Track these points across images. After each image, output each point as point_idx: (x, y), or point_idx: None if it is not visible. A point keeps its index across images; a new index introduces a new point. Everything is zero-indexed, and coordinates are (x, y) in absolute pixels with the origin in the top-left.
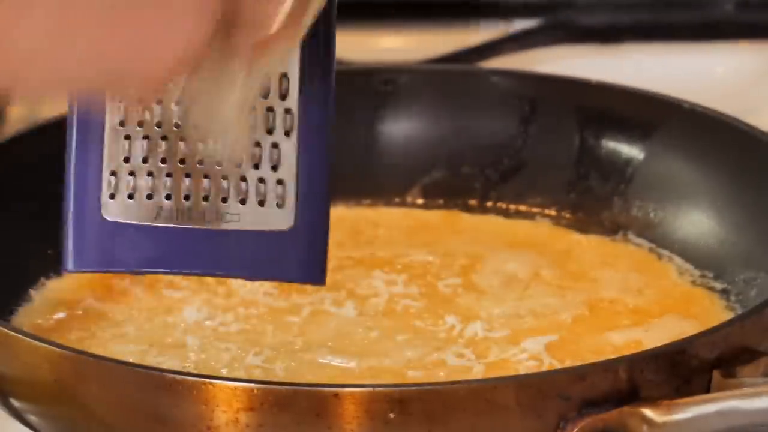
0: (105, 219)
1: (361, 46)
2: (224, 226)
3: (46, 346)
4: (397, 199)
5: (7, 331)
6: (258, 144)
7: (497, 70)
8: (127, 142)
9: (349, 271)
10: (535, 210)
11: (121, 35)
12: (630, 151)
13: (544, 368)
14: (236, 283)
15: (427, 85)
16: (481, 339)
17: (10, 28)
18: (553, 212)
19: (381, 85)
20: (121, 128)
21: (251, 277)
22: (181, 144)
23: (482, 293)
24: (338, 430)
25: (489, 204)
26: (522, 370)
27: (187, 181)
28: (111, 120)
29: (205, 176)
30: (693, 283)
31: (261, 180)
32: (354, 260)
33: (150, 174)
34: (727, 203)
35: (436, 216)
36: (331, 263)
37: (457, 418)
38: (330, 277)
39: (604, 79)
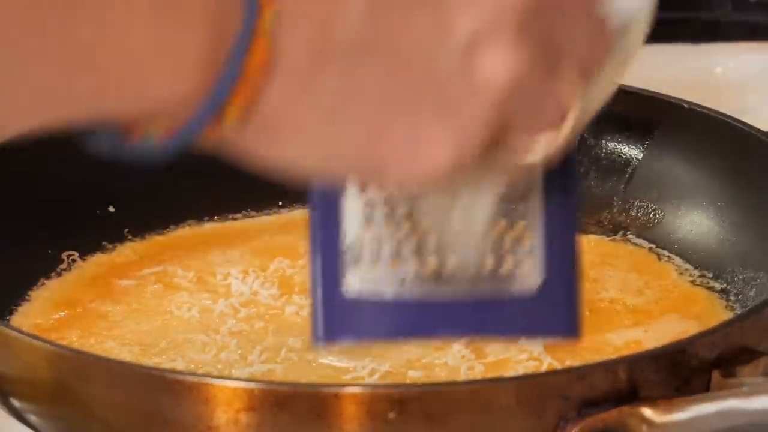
0: (348, 294)
1: None
2: (470, 293)
3: (46, 346)
4: None
5: (7, 330)
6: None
7: None
8: (368, 209)
9: None
10: None
11: (394, 132)
12: (630, 151)
13: (544, 368)
14: (236, 283)
15: None
16: (481, 339)
17: (292, 103)
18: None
19: None
20: (363, 194)
21: (498, 337)
22: (425, 218)
23: None
24: (338, 430)
25: None
26: (522, 370)
27: (428, 251)
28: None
29: (447, 247)
30: (693, 283)
31: (507, 246)
32: None
33: (394, 245)
34: (726, 203)
35: None
36: None
37: (457, 418)
38: None
39: None
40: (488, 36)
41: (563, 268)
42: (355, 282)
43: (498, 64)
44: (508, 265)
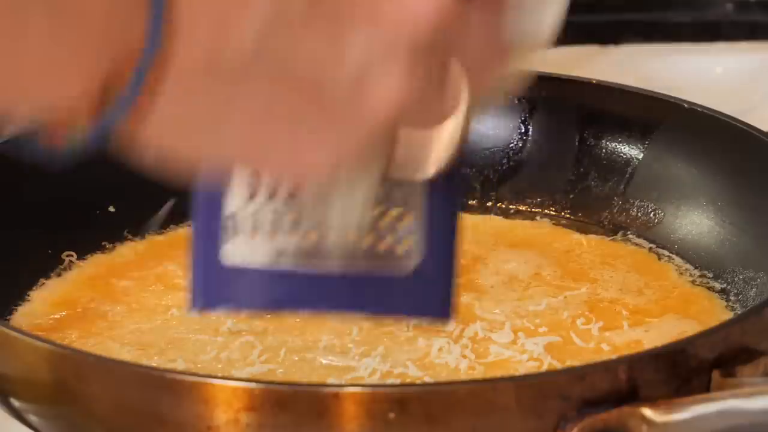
0: (225, 262)
1: None
2: (347, 266)
3: (46, 346)
4: None
5: (7, 331)
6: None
7: None
8: (246, 188)
9: None
10: (535, 210)
11: (274, 139)
12: (630, 151)
13: (544, 368)
14: None
15: None
16: (481, 339)
17: (179, 104)
18: (553, 212)
19: None
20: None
21: (373, 312)
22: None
23: (482, 293)
24: (338, 430)
25: (489, 204)
26: (522, 370)
27: (308, 222)
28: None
29: (321, 222)
30: (693, 283)
31: (385, 224)
32: None
33: (270, 214)
34: (726, 203)
35: None
36: None
37: (457, 418)
38: None
39: (604, 79)
40: (380, 66)
41: (441, 250)
42: (233, 251)
43: (385, 93)
44: (386, 244)
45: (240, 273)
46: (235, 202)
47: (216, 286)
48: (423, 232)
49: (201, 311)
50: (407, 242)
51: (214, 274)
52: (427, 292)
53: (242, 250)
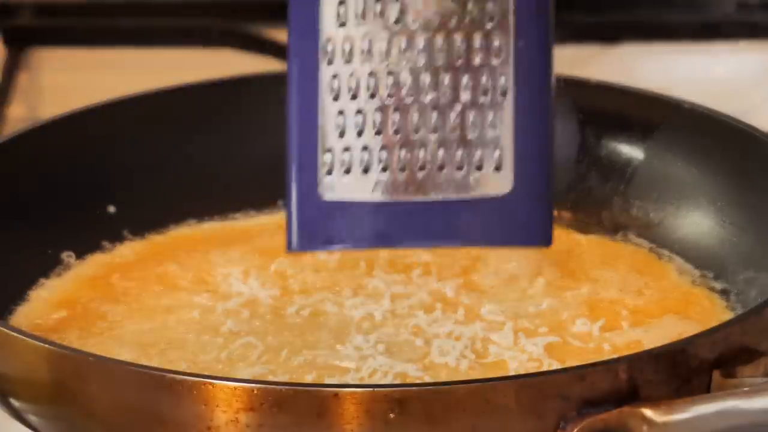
0: (323, 199)
1: None
2: (444, 196)
3: (46, 346)
4: None
5: (6, 331)
6: (473, 106)
7: None
8: (341, 117)
9: (350, 271)
10: None
11: None
12: (630, 151)
13: (544, 368)
14: (236, 284)
15: None
16: (481, 339)
17: None
18: (553, 212)
19: None
20: (336, 102)
21: (472, 244)
22: (396, 113)
23: (483, 293)
24: (338, 430)
25: None
26: (522, 370)
27: (402, 152)
28: (325, 96)
29: (421, 146)
30: (693, 283)
31: (477, 145)
32: (354, 260)
33: (365, 149)
34: (727, 203)
35: None
36: (332, 263)
37: (457, 418)
38: (330, 277)
39: (604, 79)
40: None
41: (535, 173)
42: (333, 186)
43: None
44: (481, 169)
45: (339, 209)
46: (329, 135)
47: (315, 224)
48: (515, 155)
49: (300, 251)
50: (502, 166)
51: (313, 210)
52: (525, 217)
53: (342, 185)
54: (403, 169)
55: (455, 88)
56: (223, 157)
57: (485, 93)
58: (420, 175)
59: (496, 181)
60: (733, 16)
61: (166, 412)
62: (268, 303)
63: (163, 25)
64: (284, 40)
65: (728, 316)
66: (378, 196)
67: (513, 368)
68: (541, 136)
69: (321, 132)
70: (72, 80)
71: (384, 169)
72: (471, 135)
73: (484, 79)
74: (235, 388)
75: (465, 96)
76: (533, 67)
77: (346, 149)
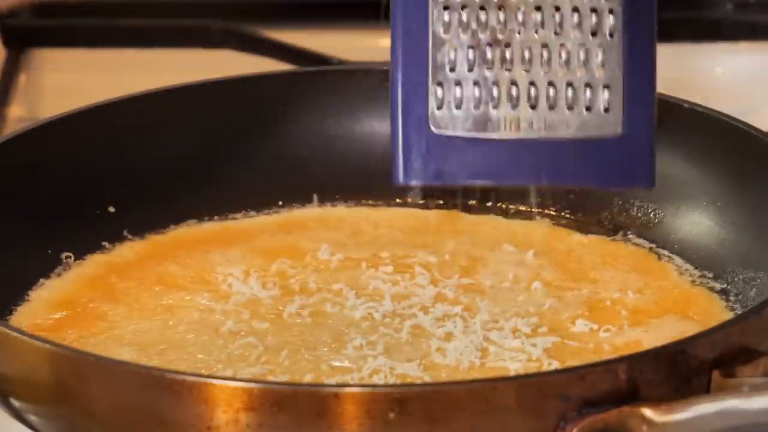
0: (433, 131)
1: (361, 46)
2: (553, 135)
3: (46, 346)
4: (397, 200)
5: (7, 331)
6: (582, 47)
7: None
8: (452, 51)
9: (350, 271)
10: (535, 210)
11: None
12: None
13: (544, 368)
14: (237, 284)
15: None
16: (481, 339)
17: None
18: (553, 212)
19: (381, 85)
20: (446, 36)
21: (577, 183)
22: (507, 50)
23: (482, 293)
24: (338, 430)
25: (489, 204)
26: (522, 370)
27: (513, 89)
28: (435, 29)
29: (531, 84)
30: (693, 283)
31: (587, 85)
32: (355, 260)
33: (476, 84)
34: (727, 203)
35: (435, 216)
36: (332, 263)
37: (457, 418)
38: (331, 276)
39: None
40: None
41: (642, 116)
42: (437, 124)
43: None
44: (590, 109)
45: (449, 143)
46: (444, 68)
47: (424, 157)
48: (624, 96)
49: (408, 183)
50: (611, 106)
51: (422, 143)
52: (631, 159)
53: (452, 119)
54: (513, 106)
55: (564, 26)
56: (223, 157)
57: (594, 34)
58: (530, 112)
59: (605, 122)
60: (733, 16)
61: (166, 412)
62: (268, 303)
63: (163, 25)
64: (284, 41)
65: (728, 316)
66: (488, 132)
67: (513, 368)
68: (648, 79)
69: (432, 64)
70: (72, 80)
71: (495, 106)
72: (580, 75)
73: (593, 19)
74: (235, 388)
75: (574, 35)
76: (640, 11)
77: (457, 83)
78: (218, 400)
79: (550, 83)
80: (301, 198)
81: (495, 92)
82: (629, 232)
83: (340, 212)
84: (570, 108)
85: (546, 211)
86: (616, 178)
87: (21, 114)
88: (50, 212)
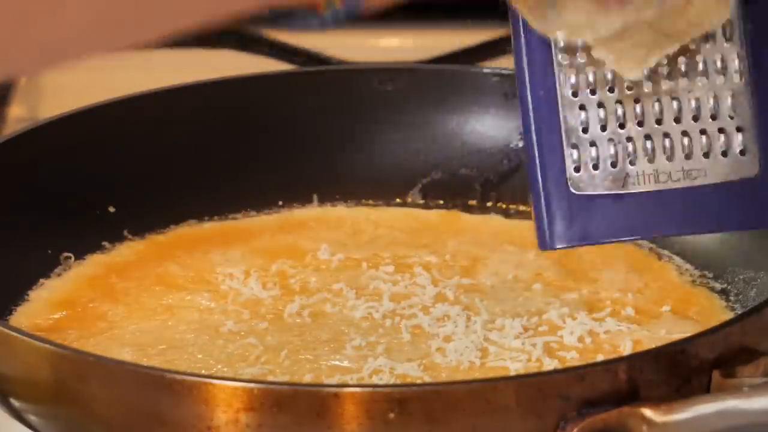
0: (573, 193)
1: (361, 46)
2: (692, 183)
3: (46, 346)
4: (397, 200)
5: (7, 331)
6: (711, 93)
7: (497, 70)
8: (583, 113)
9: (350, 271)
10: None
11: None
12: None
13: (544, 368)
14: (237, 284)
15: (427, 85)
16: (481, 339)
17: None
18: None
19: (381, 85)
20: (575, 98)
21: (720, 229)
22: (637, 105)
23: (483, 293)
24: (338, 430)
25: (489, 204)
26: (522, 370)
27: (648, 143)
28: (564, 91)
29: (665, 135)
30: (693, 283)
31: (720, 131)
32: (355, 260)
33: (611, 141)
34: None
35: (436, 216)
36: (332, 263)
37: (457, 418)
38: (331, 276)
39: None
40: None
41: None
42: (577, 185)
43: None
44: (726, 155)
45: (592, 203)
46: (577, 130)
47: (569, 220)
48: (758, 133)
49: (555, 248)
50: (747, 147)
51: (564, 206)
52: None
53: (591, 179)
54: (650, 160)
55: (689, 75)
56: (223, 157)
57: (719, 74)
58: (667, 164)
59: (742, 165)
60: None
61: (166, 412)
62: (268, 303)
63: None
64: (284, 41)
65: (728, 315)
66: (628, 188)
67: (513, 368)
68: None
69: (564, 126)
70: (72, 80)
71: (631, 162)
72: (712, 121)
73: (718, 64)
74: (235, 388)
75: (702, 82)
76: (764, 51)
77: (592, 144)
78: (218, 400)
79: (684, 133)
80: (301, 198)
81: (630, 148)
82: None
83: (340, 212)
84: (706, 155)
85: None
86: (758, 220)
87: (21, 114)
88: (50, 212)
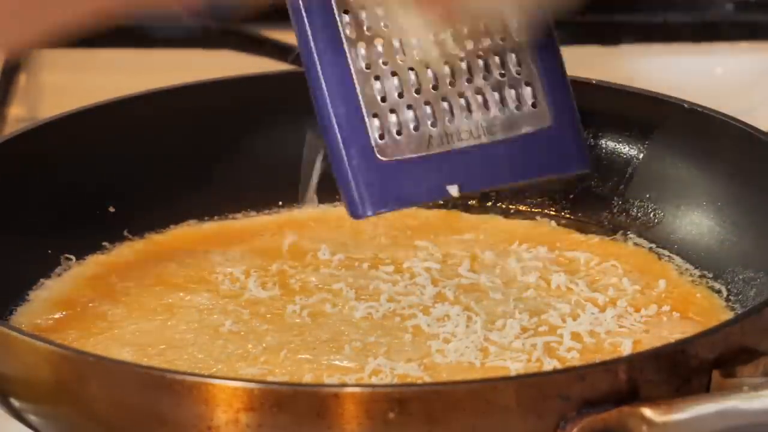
0: (381, 160)
1: None
2: (493, 138)
3: (46, 346)
4: None
5: (7, 331)
6: (498, 53)
7: None
8: (378, 82)
9: (350, 271)
10: (535, 210)
11: None
12: (629, 150)
13: (545, 369)
14: (237, 284)
15: None
16: (481, 339)
17: None
18: (553, 212)
19: None
20: (369, 70)
21: (524, 178)
22: (429, 71)
23: (482, 293)
24: (338, 430)
25: (489, 204)
26: (522, 370)
27: (445, 103)
28: (357, 65)
29: (460, 95)
30: (693, 283)
31: (511, 86)
32: (355, 260)
33: (410, 107)
34: (727, 203)
35: (436, 216)
36: (332, 263)
37: (457, 418)
38: (331, 276)
39: (604, 79)
40: None
41: (565, 105)
42: (383, 152)
43: None
44: (519, 108)
45: (398, 167)
46: (375, 100)
47: (379, 186)
48: (545, 89)
49: (368, 215)
50: (537, 99)
51: (373, 174)
52: (566, 146)
53: (396, 144)
54: (450, 121)
55: (474, 37)
56: (223, 157)
57: (503, 39)
58: (468, 122)
59: (536, 117)
60: (733, 16)
61: (166, 412)
62: (268, 303)
63: (163, 25)
64: (284, 40)
65: (728, 316)
66: (433, 149)
67: (513, 368)
68: (560, 71)
69: (363, 99)
70: (72, 80)
71: (432, 125)
72: (501, 78)
73: (499, 23)
74: (235, 388)
75: (486, 43)
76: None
77: (392, 111)
78: (218, 400)
79: (477, 90)
80: (301, 198)
81: (429, 111)
82: (629, 232)
83: (340, 212)
84: (502, 111)
85: (546, 211)
86: (556, 166)
87: (21, 114)
88: (50, 212)
